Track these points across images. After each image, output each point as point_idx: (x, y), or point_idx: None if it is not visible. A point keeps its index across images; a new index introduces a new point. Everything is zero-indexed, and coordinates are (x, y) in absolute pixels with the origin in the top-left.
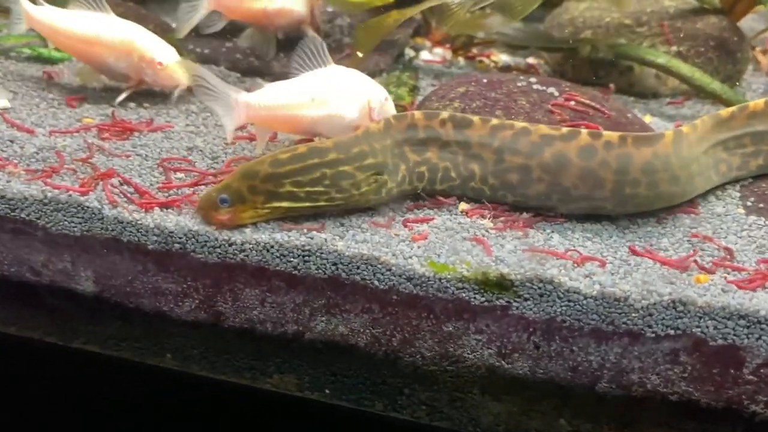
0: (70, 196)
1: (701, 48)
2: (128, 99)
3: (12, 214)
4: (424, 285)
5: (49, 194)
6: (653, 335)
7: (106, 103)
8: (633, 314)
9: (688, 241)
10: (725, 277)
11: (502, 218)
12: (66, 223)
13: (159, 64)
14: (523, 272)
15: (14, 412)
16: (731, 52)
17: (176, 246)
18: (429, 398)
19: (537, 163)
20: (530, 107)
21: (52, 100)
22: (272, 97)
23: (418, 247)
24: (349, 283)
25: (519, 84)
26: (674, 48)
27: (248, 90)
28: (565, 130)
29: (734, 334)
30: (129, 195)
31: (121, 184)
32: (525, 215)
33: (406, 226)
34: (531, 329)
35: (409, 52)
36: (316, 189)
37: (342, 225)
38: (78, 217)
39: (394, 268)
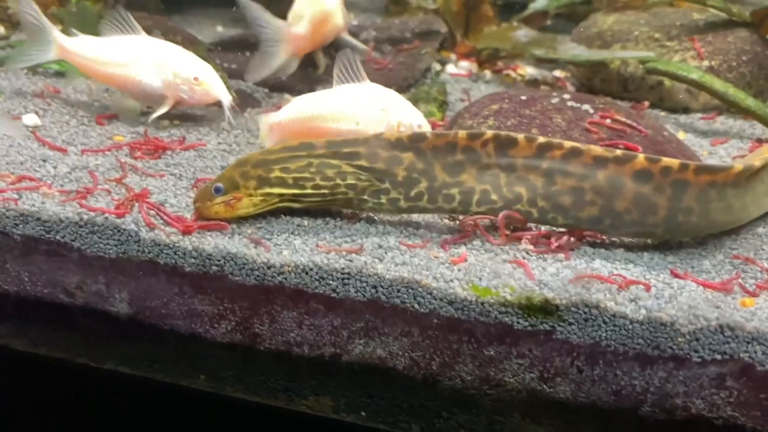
0: (106, 218)
1: (733, 63)
2: (160, 117)
3: (47, 235)
4: (465, 309)
5: (85, 216)
6: (699, 360)
7: (136, 120)
8: (679, 339)
9: (729, 262)
10: None
11: (537, 240)
12: (101, 245)
13: (195, 79)
14: (568, 297)
15: None
16: (764, 66)
17: (214, 268)
18: (467, 421)
19: (590, 186)
20: (566, 125)
21: (82, 117)
22: (297, 111)
23: (459, 270)
24: (389, 306)
25: (553, 101)
26: (705, 62)
27: (277, 106)
28: (619, 152)
29: None
30: (166, 216)
31: (160, 204)
32: (564, 238)
33: (443, 248)
34: (574, 353)
35: (435, 66)
36: (302, 175)
37: (380, 247)
38: (114, 240)
39: (435, 291)
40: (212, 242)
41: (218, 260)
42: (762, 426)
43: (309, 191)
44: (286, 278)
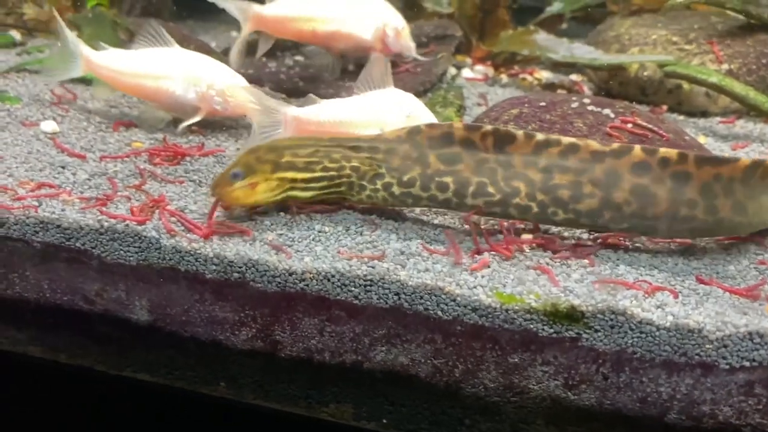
0: (127, 225)
1: (752, 66)
2: (174, 122)
3: (67, 243)
4: (490, 316)
5: (106, 224)
6: (727, 367)
7: (155, 128)
8: (707, 345)
9: (755, 268)
10: None
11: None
12: (122, 252)
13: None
14: (594, 303)
15: None
16: None
17: (235, 275)
18: (490, 429)
19: (588, 179)
20: (587, 130)
21: (99, 124)
22: (321, 112)
23: (482, 277)
24: (412, 313)
25: (573, 105)
26: (724, 66)
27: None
28: (616, 145)
29: None
30: (187, 222)
31: (180, 211)
32: (588, 243)
33: (465, 254)
34: (600, 360)
35: (451, 70)
36: (311, 159)
37: (402, 253)
38: (135, 247)
39: (458, 298)
40: (234, 249)
41: (240, 267)
42: None
43: (318, 174)
44: (307, 285)
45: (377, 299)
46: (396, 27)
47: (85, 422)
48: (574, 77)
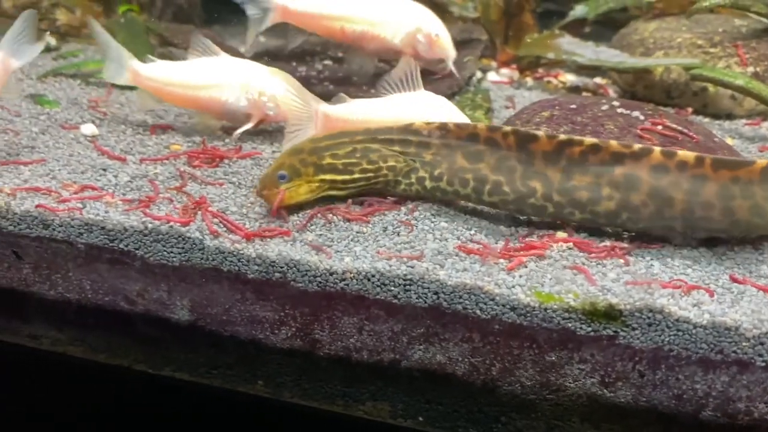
0: (171, 227)
1: None
2: (224, 130)
3: (110, 244)
4: (528, 315)
5: (150, 225)
6: (764, 364)
7: (190, 129)
8: (744, 343)
9: None
10: None
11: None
12: (165, 253)
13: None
14: (632, 302)
15: None
16: None
17: (276, 275)
18: (526, 426)
19: (607, 180)
20: (619, 132)
21: (137, 127)
22: (350, 111)
23: (520, 276)
24: (450, 312)
25: (603, 108)
26: (750, 69)
27: None
28: (636, 147)
29: None
30: (230, 224)
31: (222, 212)
32: (622, 243)
33: (502, 254)
34: (637, 358)
35: (477, 74)
36: (350, 160)
37: (440, 253)
38: (178, 248)
39: (497, 297)
40: (275, 249)
41: (281, 267)
42: None
43: (357, 176)
44: (347, 284)
45: (416, 298)
46: (429, 33)
47: (124, 421)
48: (598, 80)
